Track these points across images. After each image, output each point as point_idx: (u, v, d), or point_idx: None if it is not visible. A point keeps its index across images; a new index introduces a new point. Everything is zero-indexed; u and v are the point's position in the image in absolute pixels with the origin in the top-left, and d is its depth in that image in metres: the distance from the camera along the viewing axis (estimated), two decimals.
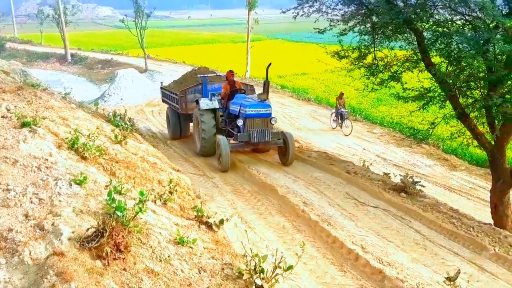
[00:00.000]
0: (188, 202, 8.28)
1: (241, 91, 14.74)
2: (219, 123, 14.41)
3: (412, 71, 10.79)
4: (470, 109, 9.94)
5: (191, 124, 16.68)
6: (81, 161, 7.03)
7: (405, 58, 10.77)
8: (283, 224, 8.68)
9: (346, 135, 19.25)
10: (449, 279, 5.64)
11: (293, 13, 11.46)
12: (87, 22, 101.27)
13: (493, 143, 9.81)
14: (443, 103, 10.30)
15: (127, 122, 13.72)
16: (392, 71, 10.85)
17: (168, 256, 5.10)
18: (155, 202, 6.91)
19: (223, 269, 5.45)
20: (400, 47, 11.04)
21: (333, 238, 7.97)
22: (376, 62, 11.16)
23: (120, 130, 10.42)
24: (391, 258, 7.26)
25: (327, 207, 9.27)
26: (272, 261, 5.43)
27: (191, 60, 43.13)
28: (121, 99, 26.67)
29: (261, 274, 5.29)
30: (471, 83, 9.70)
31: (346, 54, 11.36)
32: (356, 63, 11.31)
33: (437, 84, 9.94)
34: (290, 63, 37.43)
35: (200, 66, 21.59)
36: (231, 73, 15.02)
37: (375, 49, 11.15)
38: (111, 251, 4.46)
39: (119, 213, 4.70)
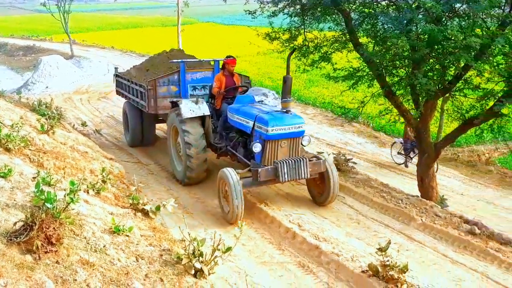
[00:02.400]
0: (122, 191, 8.13)
1: (242, 90, 10.29)
2: (209, 136, 9.81)
3: (341, 52, 11.03)
4: (396, 87, 10.36)
5: (165, 131, 12.30)
6: (5, 153, 6.68)
7: (334, 39, 10.99)
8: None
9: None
10: (380, 249, 5.92)
11: None
12: (5, 6, 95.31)
13: (418, 119, 10.30)
14: (371, 82, 10.68)
15: (54, 111, 13.16)
16: (322, 52, 11.05)
17: (104, 246, 5.00)
18: (88, 192, 6.72)
19: (161, 255, 5.42)
20: (329, 28, 11.24)
21: (270, 218, 8.11)
22: (307, 43, 11.32)
23: (46, 119, 9.99)
24: (326, 234, 7.49)
25: (264, 188, 9.38)
26: (211, 244, 5.47)
27: (120, 45, 41.84)
28: (47, 87, 25.43)
29: (200, 257, 5.31)
30: (396, 62, 10.08)
31: (277, 35, 11.42)
32: (287, 44, 11.42)
33: (365, 64, 10.25)
34: (222, 46, 37.20)
35: (173, 48, 14.76)
36: (232, 60, 10.11)
37: (305, 30, 11.30)
38: (41, 244, 4.30)
39: (48, 205, 4.53)
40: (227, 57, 10.13)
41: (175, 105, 10.03)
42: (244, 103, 9.21)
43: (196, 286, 5.00)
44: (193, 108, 9.45)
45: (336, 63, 11.15)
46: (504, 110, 9.12)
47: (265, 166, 7.97)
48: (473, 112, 9.72)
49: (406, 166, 12.63)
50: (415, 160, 11.91)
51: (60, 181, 6.29)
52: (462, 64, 9.19)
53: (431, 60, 9.48)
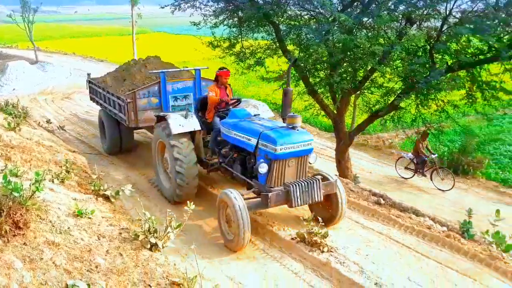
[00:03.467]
0: (85, 179, 7.81)
1: (236, 104, 8.11)
2: (200, 151, 7.93)
3: (272, 57, 11.13)
4: (318, 86, 10.59)
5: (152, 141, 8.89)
6: None
7: (267, 46, 11.08)
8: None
9: (444, 191, 10.37)
10: (305, 220, 6.09)
11: (170, 8, 11.11)
12: None
13: (335, 112, 10.61)
14: (297, 82, 10.87)
15: (20, 110, 12.41)
16: (257, 57, 11.09)
17: (68, 228, 4.79)
18: (53, 181, 6.41)
19: (120, 233, 5.27)
20: (262, 37, 11.30)
21: (215, 197, 8.02)
22: (244, 50, 11.31)
23: (13, 118, 9.41)
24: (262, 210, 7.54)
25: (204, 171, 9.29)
26: (165, 222, 5.38)
27: (81, 51, 39.98)
28: (14, 89, 23.88)
29: (155, 233, 5.21)
30: (317, 65, 10.30)
31: (219, 44, 11.34)
32: (227, 51, 11.36)
33: (293, 67, 10.40)
34: (172, 53, 36.39)
35: (149, 56, 11.99)
36: (226, 72, 8.00)
37: (242, 39, 11.28)
38: (10, 228, 4.07)
39: (16, 194, 4.28)
40: (220, 69, 8.03)
41: (160, 119, 8.06)
42: (240, 117, 7.21)
43: (151, 258, 4.90)
44: (182, 122, 7.53)
45: (268, 67, 11.24)
46: (402, 104, 9.57)
47: (272, 187, 6.17)
48: (378, 106, 10.13)
49: (424, 175, 10.60)
50: (439, 177, 10.40)
51: (27, 172, 5.95)
52: (369, 67, 9.53)
53: (344, 64, 9.75)
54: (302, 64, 9.96)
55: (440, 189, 9.86)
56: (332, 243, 6.06)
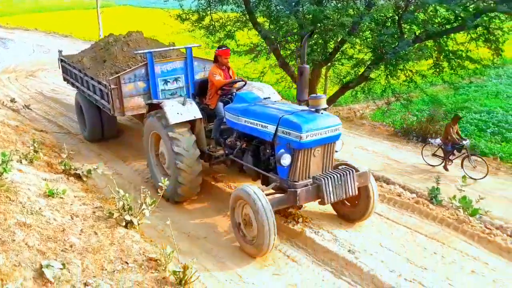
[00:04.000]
0: (55, 159, 7.63)
1: (239, 86, 7.02)
2: (202, 143, 6.87)
3: (243, 30, 10.96)
4: (289, 59, 10.54)
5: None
6: None
7: (236, 19, 10.88)
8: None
9: (476, 180, 8.75)
10: None
11: None
12: None
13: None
14: (268, 55, 10.78)
15: None
16: (227, 30, 10.90)
17: (39, 209, 4.70)
18: (21, 162, 6.23)
19: (94, 212, 5.21)
20: (231, 9, 11.08)
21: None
22: (213, 23, 11.09)
23: None
24: (237, 184, 7.55)
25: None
26: (139, 199, 5.34)
27: (44, 27, 38.28)
28: None
29: (130, 211, 5.17)
30: (288, 38, 10.22)
31: (187, 17, 11.06)
32: (196, 24, 11.11)
33: (263, 40, 10.29)
34: (139, 28, 35.35)
35: (130, 31, 10.32)
36: (225, 51, 6.93)
37: (211, 12, 11.04)
38: None
39: None
40: (219, 47, 6.97)
41: (153, 106, 7.03)
42: (249, 101, 6.24)
43: (127, 235, 4.88)
44: (180, 110, 6.54)
45: (239, 40, 11.08)
46: (372, 75, 9.67)
47: (296, 182, 5.31)
48: (349, 78, 10.19)
49: (446, 169, 9.29)
50: (471, 164, 9.16)
51: None
52: (339, 39, 9.53)
53: (315, 36, 9.71)
54: (273, 37, 9.85)
55: (471, 178, 8.64)
56: (305, 212, 6.16)
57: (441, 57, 9.11)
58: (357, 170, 5.59)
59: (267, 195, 5.30)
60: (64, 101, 13.29)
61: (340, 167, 5.68)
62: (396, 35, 8.71)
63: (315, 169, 5.47)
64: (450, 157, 9.52)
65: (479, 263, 5.18)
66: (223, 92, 6.88)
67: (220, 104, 6.81)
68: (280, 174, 5.53)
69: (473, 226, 5.85)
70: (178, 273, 4.17)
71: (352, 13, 9.00)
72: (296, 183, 5.31)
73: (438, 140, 9.86)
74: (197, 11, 10.97)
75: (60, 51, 11.21)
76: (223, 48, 6.94)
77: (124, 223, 5.06)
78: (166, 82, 8.17)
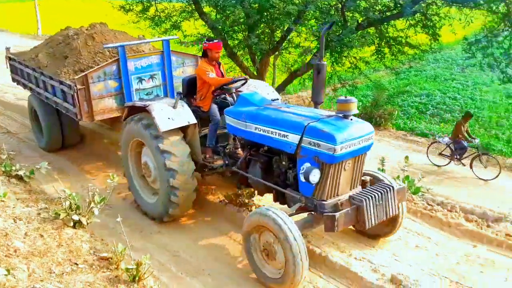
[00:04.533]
0: None
1: (238, 85, 5.88)
2: (197, 152, 5.82)
3: (189, 20, 10.77)
4: (237, 48, 10.49)
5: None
6: None
7: (182, 9, 10.66)
8: (96, 164, 8.14)
9: (487, 180, 8.16)
10: (238, 188, 6.10)
11: None
12: None
13: (256, 73, 10.63)
14: None
15: None
16: (173, 21, 10.66)
17: None
18: None
19: (39, 214, 4.96)
20: None
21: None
22: (158, 14, 10.80)
23: None
24: None
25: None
26: (88, 197, 5.14)
27: None
28: None
29: (77, 210, 4.97)
30: (235, 27, 10.16)
31: (131, 7, 10.70)
32: (141, 15, 10.77)
33: (210, 30, 10.16)
34: (80, 20, 33.85)
35: (93, 22, 8.75)
36: (216, 44, 5.86)
37: (156, 2, 10.74)
38: None
39: None
40: (209, 40, 5.91)
41: (134, 110, 5.97)
42: (257, 104, 5.31)
43: (76, 236, 4.70)
44: (171, 115, 5.52)
45: (186, 31, 10.87)
46: None
47: (324, 201, 4.53)
48: (296, 66, 10.33)
49: (461, 162, 8.67)
50: (482, 164, 8.47)
51: None
52: (286, 27, 9.60)
53: (261, 25, 9.72)
54: (220, 27, 9.75)
55: (481, 179, 8.09)
56: (259, 202, 6.20)
57: (383, 44, 9.42)
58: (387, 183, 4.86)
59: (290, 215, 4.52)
60: (2, 98, 12.49)
61: (378, 183, 4.87)
62: (340, 23, 8.90)
63: (345, 185, 4.67)
64: (459, 157, 8.73)
65: (422, 238, 5.45)
66: (218, 92, 5.87)
67: (214, 106, 5.84)
68: (303, 191, 4.68)
69: (416, 203, 6.14)
70: (131, 270, 4.07)
71: (297, 1, 9.08)
72: (324, 202, 4.52)
73: (447, 139, 9.12)
74: (141, 1, 10.64)
75: (7, 48, 9.67)
76: (215, 41, 5.86)
77: (72, 224, 4.86)
78: (140, 80, 7.08)
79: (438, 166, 8.79)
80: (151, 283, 4.14)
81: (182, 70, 7.46)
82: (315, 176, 4.39)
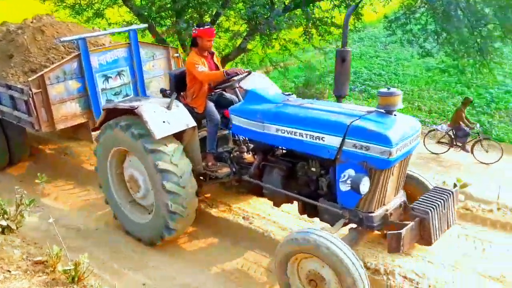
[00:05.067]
0: None
1: (240, 78, 4.94)
2: (196, 160, 4.90)
3: (112, 7, 10.27)
4: (166, 35, 10.20)
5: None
6: None
7: None
8: (21, 164, 7.56)
9: (489, 164, 8.46)
10: None
11: None
12: None
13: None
14: (144, 33, 10.30)
15: None
16: (95, 8, 10.12)
17: None
18: None
19: None
20: None
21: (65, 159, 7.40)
22: (79, 1, 10.19)
23: None
24: None
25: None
26: (15, 200, 4.81)
27: None
28: None
29: (5, 215, 4.65)
30: (162, 13, 9.85)
31: None
32: (59, 3, 10.11)
33: (136, 17, 9.78)
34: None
35: (40, 14, 7.58)
36: (208, 31, 4.84)
37: None
38: None
39: None
40: (199, 26, 4.91)
41: (113, 113, 4.96)
42: (272, 100, 4.52)
43: (6, 242, 4.40)
44: (166, 117, 4.59)
45: (110, 18, 10.36)
46: (249, 46, 9.85)
47: (371, 213, 3.88)
48: (228, 50, 10.26)
49: (467, 151, 8.61)
50: (483, 148, 8.51)
51: None
52: (214, 12, 9.47)
53: (189, 10, 9.51)
54: (146, 13, 9.41)
55: (484, 163, 8.02)
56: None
57: (310, 25, 9.61)
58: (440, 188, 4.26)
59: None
60: None
61: (435, 189, 4.20)
62: (267, 6, 8.93)
63: (390, 192, 4.03)
64: (462, 143, 8.58)
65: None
66: (218, 89, 5.03)
67: (211, 105, 4.98)
68: (344, 202, 3.97)
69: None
70: (69, 271, 3.90)
71: None
72: (372, 215, 3.87)
73: (445, 127, 8.93)
74: None
75: None
76: (206, 27, 4.84)
77: (0, 230, 4.54)
78: (106, 78, 6.02)
79: (436, 154, 8.57)
80: (91, 282, 3.99)
81: (153, 64, 6.50)
82: (365, 186, 3.66)
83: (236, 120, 4.63)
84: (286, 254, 3.72)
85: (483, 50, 9.00)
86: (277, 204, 4.84)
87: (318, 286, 3.66)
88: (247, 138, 4.88)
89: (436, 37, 9.45)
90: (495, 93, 11.51)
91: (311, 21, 9.51)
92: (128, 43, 6.22)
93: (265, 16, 8.78)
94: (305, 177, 4.34)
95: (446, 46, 9.39)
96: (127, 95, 6.25)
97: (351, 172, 3.80)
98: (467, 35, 9.00)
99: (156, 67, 6.54)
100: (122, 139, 4.79)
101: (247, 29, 9.66)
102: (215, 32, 5.01)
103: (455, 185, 4.30)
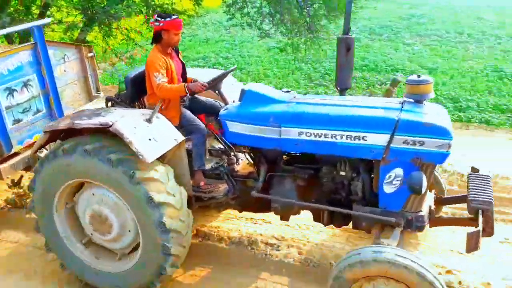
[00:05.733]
0: None
1: (220, 78, 4.18)
2: (186, 180, 3.89)
3: None
4: None
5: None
6: None
7: None
8: None
9: None
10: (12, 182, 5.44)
11: None
12: None
13: None
14: None
15: None
16: None
17: None
18: None
19: None
20: None
21: None
22: None
23: None
24: None
25: None
26: None
27: None
28: None
29: None
30: None
31: None
32: None
33: None
34: None
35: None
36: (176, 22, 3.90)
37: None
38: None
39: None
40: (161, 16, 3.97)
41: (57, 135, 3.96)
42: (278, 100, 3.89)
43: None
44: (149, 133, 3.59)
45: None
46: (89, 37, 9.26)
47: (420, 213, 3.57)
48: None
49: None
50: None
51: None
52: (43, 2, 8.64)
53: (13, 2, 8.50)
54: None
55: None
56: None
57: (150, 12, 9.42)
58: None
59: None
60: None
61: (473, 175, 3.86)
62: None
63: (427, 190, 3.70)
64: None
65: None
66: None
67: (188, 113, 4.14)
68: (387, 206, 3.59)
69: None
70: None
71: None
72: (422, 214, 3.57)
73: None
74: None
75: None
76: (173, 18, 3.94)
77: None
78: (11, 92, 4.44)
79: None
80: None
81: (64, 68, 5.15)
82: (425, 184, 3.32)
83: (233, 127, 3.89)
84: (347, 281, 3.19)
85: (312, 28, 10.00)
86: (286, 217, 4.26)
87: None
88: (247, 147, 4.05)
89: (271, 18, 10.14)
90: (328, 66, 12.90)
91: (151, 8, 9.33)
92: (33, 44, 4.70)
93: (102, 5, 8.32)
94: (330, 183, 3.83)
95: (281, 26, 10.16)
96: (37, 111, 4.74)
97: (398, 171, 3.45)
98: (297, 15, 9.87)
99: (69, 71, 5.14)
100: (86, 169, 3.61)
101: (84, 19, 9.04)
102: (182, 23, 4.05)
103: (473, 169, 4.05)
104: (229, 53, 14.58)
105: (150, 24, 4.10)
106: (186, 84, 3.92)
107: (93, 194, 3.81)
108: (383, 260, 3.00)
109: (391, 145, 3.39)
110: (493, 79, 10.75)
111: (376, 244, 3.29)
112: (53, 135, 3.89)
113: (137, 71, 4.38)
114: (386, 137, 3.39)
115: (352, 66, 3.99)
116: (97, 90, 5.45)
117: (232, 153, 4.14)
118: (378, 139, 3.42)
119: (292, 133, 3.66)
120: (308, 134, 3.60)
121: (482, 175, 3.83)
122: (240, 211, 4.39)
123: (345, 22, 3.98)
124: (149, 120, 3.62)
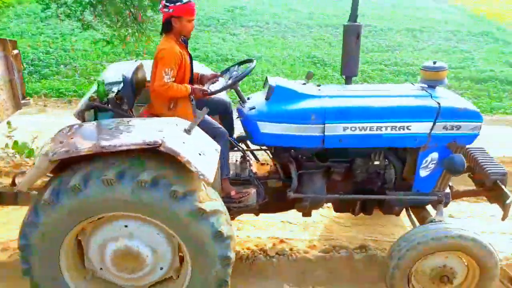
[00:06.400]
0: None
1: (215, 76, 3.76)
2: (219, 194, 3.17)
3: None
4: None
5: None
6: None
7: None
8: None
9: None
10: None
11: None
12: None
13: None
14: None
15: None
16: None
17: None
18: None
19: None
20: None
21: None
22: None
23: None
24: None
25: None
26: None
27: None
28: None
29: None
30: None
31: None
32: None
33: None
34: None
35: None
36: (189, 7, 3.20)
37: None
38: None
39: None
40: (170, 1, 3.28)
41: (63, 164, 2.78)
42: (306, 94, 3.66)
43: None
44: (195, 146, 2.86)
45: None
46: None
47: (447, 191, 3.91)
48: None
49: None
50: None
51: None
52: None
53: None
54: None
55: None
56: None
57: None
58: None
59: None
60: None
61: (474, 149, 4.18)
62: None
63: None
64: None
65: None
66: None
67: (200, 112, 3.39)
68: (421, 188, 3.79)
69: (31, 166, 5.89)
70: None
71: None
72: (448, 191, 3.93)
73: None
74: None
75: None
76: (184, 2, 3.36)
77: None
78: None
79: None
80: None
81: None
82: (462, 164, 3.57)
83: (266, 128, 3.56)
84: (411, 260, 3.31)
85: (138, 20, 9.68)
86: (309, 213, 4.10)
87: (449, 281, 3.44)
88: (279, 147, 3.76)
89: (92, 9, 9.47)
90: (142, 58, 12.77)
91: None
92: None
93: None
94: (364, 174, 3.84)
95: (105, 17, 9.58)
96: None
97: (434, 155, 3.67)
98: (121, 6, 9.43)
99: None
100: (121, 202, 2.78)
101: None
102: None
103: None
104: (50, 48, 13.20)
105: (159, 11, 3.60)
106: (192, 87, 3.54)
107: (126, 226, 2.99)
108: (455, 235, 3.21)
109: (432, 131, 3.57)
110: (308, 65, 12.15)
111: (429, 222, 3.48)
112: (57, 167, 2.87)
113: (134, 65, 3.64)
114: (429, 124, 3.55)
115: (359, 54, 4.10)
116: (23, 96, 4.49)
117: (241, 155, 4.00)
118: (421, 127, 3.56)
119: (338, 129, 3.56)
120: (353, 129, 3.56)
121: (480, 148, 4.19)
122: (257, 214, 4.11)
123: (352, 9, 4.02)
124: (188, 131, 3.05)
